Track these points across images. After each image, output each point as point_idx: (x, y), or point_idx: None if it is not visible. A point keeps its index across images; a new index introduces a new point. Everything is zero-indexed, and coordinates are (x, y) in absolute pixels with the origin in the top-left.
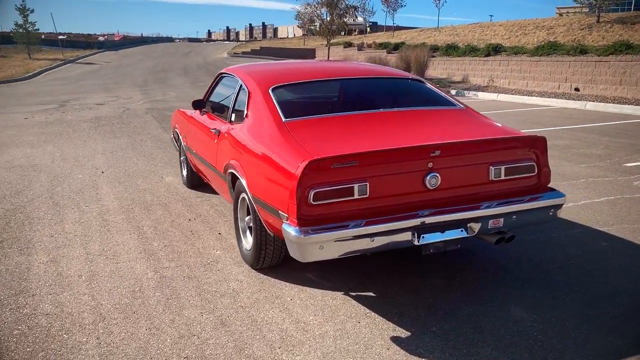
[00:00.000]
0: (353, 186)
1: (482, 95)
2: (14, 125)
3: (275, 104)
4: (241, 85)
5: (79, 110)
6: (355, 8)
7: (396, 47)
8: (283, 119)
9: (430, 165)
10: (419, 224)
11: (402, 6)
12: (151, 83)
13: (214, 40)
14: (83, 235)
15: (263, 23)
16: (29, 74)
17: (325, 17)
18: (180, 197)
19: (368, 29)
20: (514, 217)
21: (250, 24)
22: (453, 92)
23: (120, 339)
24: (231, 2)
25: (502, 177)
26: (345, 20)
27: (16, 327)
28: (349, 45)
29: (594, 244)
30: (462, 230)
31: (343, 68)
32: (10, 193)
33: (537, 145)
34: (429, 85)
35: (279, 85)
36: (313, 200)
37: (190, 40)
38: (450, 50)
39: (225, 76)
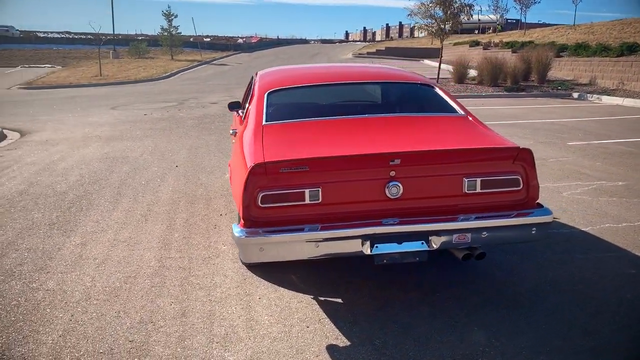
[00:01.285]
0: (304, 191)
1: (605, 99)
2: (131, 120)
3: (264, 107)
4: (253, 88)
5: (193, 109)
6: (471, 6)
7: (522, 46)
8: (263, 122)
9: (392, 173)
10: (370, 233)
11: (535, 2)
12: None
13: (348, 41)
14: (122, 222)
15: (400, 22)
16: (166, 74)
17: (438, 16)
18: (226, 193)
19: (499, 27)
20: (485, 233)
21: (387, 24)
22: (575, 95)
23: (88, 318)
24: (368, 2)
25: (479, 190)
26: (461, 18)
27: (16, 299)
28: (476, 44)
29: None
30: (422, 243)
31: (351, 72)
32: (89, 181)
33: (522, 157)
34: (437, 90)
35: (275, 90)
36: (261, 203)
37: (323, 41)
38: (580, 49)
39: (252, 78)
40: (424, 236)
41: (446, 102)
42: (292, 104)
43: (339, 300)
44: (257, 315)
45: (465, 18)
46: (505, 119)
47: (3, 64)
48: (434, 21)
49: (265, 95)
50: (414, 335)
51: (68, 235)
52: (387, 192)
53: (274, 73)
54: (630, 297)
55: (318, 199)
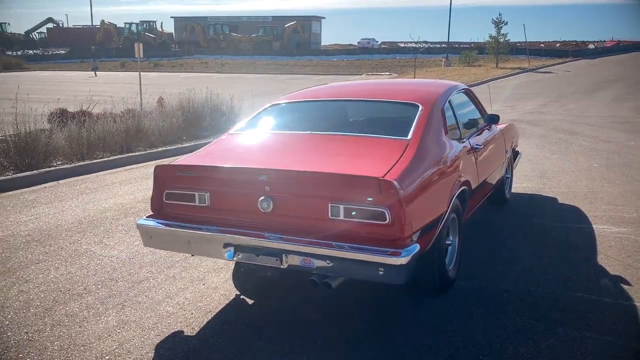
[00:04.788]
0: (194, 194)
1: None
2: None
3: (252, 117)
4: None
5: None
6: None
7: None
8: (230, 131)
9: (267, 189)
10: (233, 242)
11: None
12: (579, 94)
13: None
14: None
15: None
16: (475, 82)
17: None
18: None
19: None
20: (329, 262)
21: None
22: None
23: (56, 286)
24: None
25: (342, 218)
26: None
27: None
28: None
29: None
30: (276, 260)
31: (357, 90)
32: None
33: (386, 189)
34: (417, 111)
35: (278, 103)
36: (166, 199)
37: None
38: None
39: None
40: (277, 253)
41: (406, 124)
42: (279, 118)
43: (264, 308)
44: (170, 315)
45: None
46: None
47: (353, 72)
48: None
49: (267, 107)
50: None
51: None
52: (259, 205)
53: (307, 88)
54: None
55: (206, 203)
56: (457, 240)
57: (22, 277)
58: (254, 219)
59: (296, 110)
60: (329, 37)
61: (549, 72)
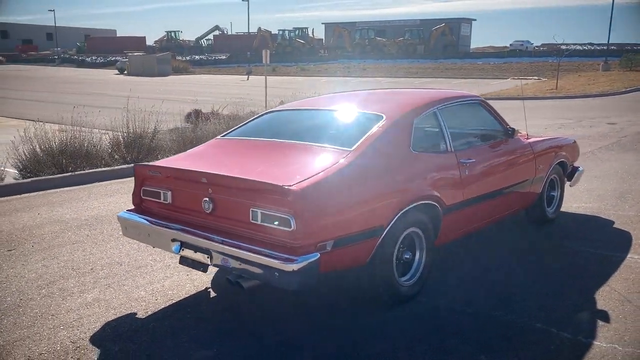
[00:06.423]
0: (160, 192)
1: None
2: None
3: (242, 123)
4: None
5: (581, 128)
6: None
7: None
8: (218, 135)
9: (210, 191)
10: (178, 237)
11: None
12: None
13: None
14: None
15: None
16: (625, 89)
17: None
18: None
19: None
20: (240, 263)
21: None
22: None
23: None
24: None
25: (260, 222)
26: None
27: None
28: None
29: None
30: (207, 257)
31: (332, 100)
32: None
33: (292, 197)
34: (381, 121)
35: (271, 111)
36: (143, 195)
37: None
38: None
39: None
40: (207, 251)
41: (360, 135)
42: (262, 125)
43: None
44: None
45: None
46: None
47: (498, 76)
48: None
49: (259, 114)
50: None
51: None
52: (203, 206)
53: (300, 100)
54: None
55: (168, 200)
56: (422, 256)
57: (53, 254)
58: (200, 218)
59: (277, 118)
60: (482, 39)
61: None
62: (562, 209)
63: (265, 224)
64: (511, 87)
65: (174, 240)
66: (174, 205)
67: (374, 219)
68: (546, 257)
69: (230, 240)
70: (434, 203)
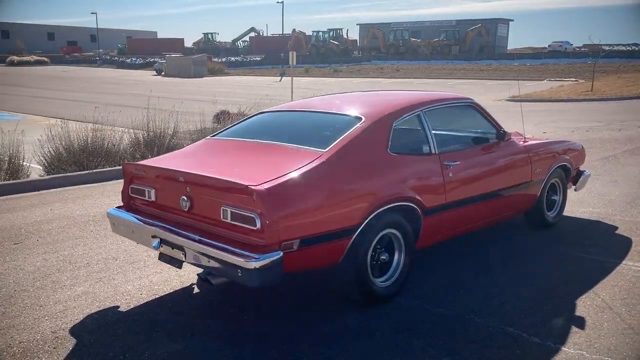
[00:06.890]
0: (145, 189)
1: None
2: None
3: (234, 123)
4: None
5: (595, 131)
6: None
7: None
8: (209, 135)
9: (188, 189)
10: (156, 234)
11: None
12: None
13: None
14: None
15: None
16: None
17: None
18: None
19: None
20: (209, 260)
21: None
22: None
23: (56, 258)
24: None
25: (229, 221)
26: None
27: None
28: None
29: None
30: (182, 254)
31: (319, 103)
32: None
33: (257, 195)
34: (357, 124)
35: (262, 112)
36: (131, 193)
37: None
38: None
39: None
40: (182, 248)
41: (336, 136)
42: (251, 125)
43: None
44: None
45: None
46: None
47: (534, 77)
48: None
49: (251, 115)
50: None
51: None
52: (181, 204)
53: (291, 102)
54: None
55: (152, 198)
56: (401, 258)
57: (55, 248)
58: (179, 216)
59: (265, 119)
60: (520, 40)
61: None
62: (567, 213)
63: (234, 223)
64: (545, 88)
65: (154, 236)
66: (156, 203)
67: (344, 220)
68: (536, 261)
69: (200, 238)
70: (412, 205)
